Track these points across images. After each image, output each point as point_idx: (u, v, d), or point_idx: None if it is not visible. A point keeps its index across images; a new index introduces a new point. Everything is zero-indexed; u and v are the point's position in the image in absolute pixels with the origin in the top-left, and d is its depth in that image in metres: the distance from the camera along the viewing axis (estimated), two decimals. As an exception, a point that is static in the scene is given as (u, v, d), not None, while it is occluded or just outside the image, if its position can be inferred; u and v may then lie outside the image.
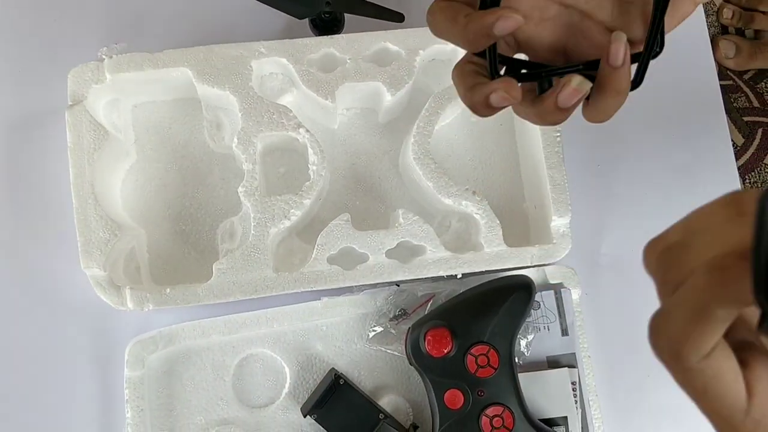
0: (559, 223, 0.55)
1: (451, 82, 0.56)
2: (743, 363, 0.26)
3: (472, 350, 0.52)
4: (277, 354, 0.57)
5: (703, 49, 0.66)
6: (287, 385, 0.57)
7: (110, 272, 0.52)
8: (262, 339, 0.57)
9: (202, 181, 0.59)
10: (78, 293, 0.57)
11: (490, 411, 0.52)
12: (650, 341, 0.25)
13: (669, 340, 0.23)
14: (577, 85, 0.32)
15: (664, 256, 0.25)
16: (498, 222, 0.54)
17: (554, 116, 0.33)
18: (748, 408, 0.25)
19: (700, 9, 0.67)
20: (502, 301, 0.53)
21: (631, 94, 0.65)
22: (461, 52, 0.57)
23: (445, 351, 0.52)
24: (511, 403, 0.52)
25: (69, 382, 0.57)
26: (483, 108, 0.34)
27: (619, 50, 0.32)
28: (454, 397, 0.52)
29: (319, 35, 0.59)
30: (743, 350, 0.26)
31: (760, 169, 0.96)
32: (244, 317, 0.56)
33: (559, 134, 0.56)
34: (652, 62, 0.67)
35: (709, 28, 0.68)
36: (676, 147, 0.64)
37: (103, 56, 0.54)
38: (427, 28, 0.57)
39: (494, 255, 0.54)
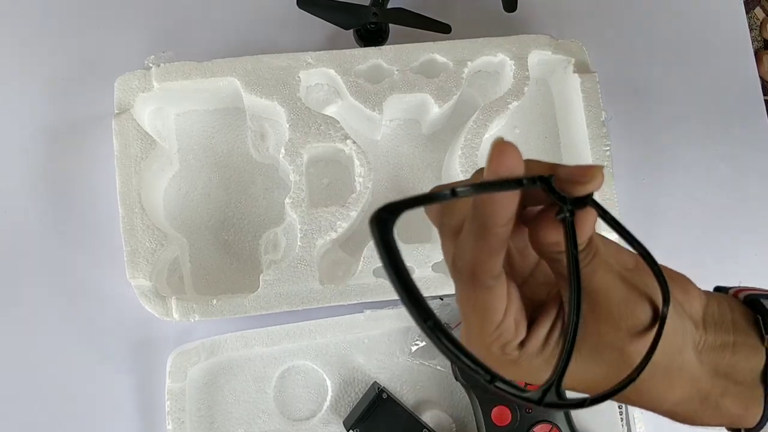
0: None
1: (497, 95, 0.57)
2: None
3: (520, 366, 0.51)
4: (318, 366, 0.56)
5: (747, 64, 0.66)
6: (328, 398, 0.56)
7: (155, 282, 0.52)
8: (304, 351, 0.56)
9: (245, 191, 0.59)
10: (119, 302, 0.57)
11: (539, 428, 0.51)
12: (451, 268, 0.28)
13: (467, 264, 0.26)
14: None
15: (443, 208, 0.29)
16: (546, 237, 0.54)
17: None
18: (515, 341, 0.28)
19: (744, 24, 0.67)
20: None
21: (676, 108, 0.65)
22: (509, 64, 0.56)
23: (493, 367, 0.51)
24: (559, 421, 0.51)
25: (110, 392, 0.56)
26: None
27: None
28: (502, 414, 0.51)
29: (364, 46, 0.59)
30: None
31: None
32: (286, 329, 0.55)
33: (608, 148, 0.55)
34: (698, 79, 0.66)
35: (753, 42, 0.67)
36: (721, 162, 0.64)
37: (150, 65, 0.54)
38: (474, 39, 0.57)
39: (543, 270, 0.53)
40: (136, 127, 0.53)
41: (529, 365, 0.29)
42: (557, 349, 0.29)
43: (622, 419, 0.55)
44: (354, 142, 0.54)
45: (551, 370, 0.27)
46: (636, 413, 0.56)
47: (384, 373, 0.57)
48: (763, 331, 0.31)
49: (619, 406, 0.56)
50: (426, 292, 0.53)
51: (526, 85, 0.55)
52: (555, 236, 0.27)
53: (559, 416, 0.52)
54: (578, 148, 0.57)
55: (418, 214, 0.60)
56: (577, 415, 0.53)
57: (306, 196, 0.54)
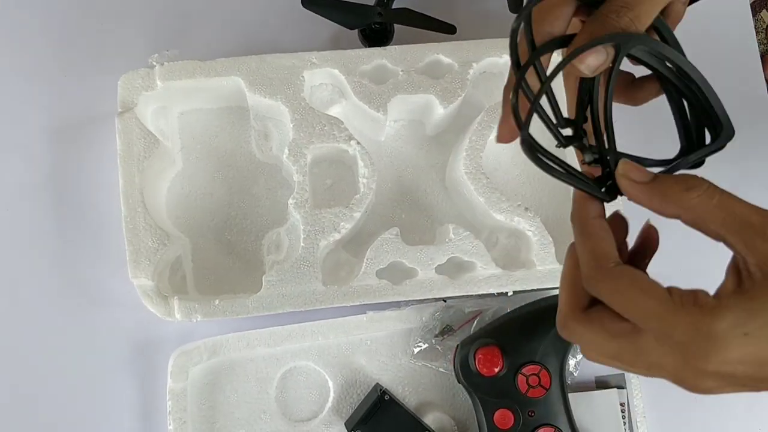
0: (612, 241, 0.54)
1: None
2: None
3: (523, 370, 0.51)
4: (320, 367, 0.56)
5: (753, 67, 0.66)
6: (330, 400, 0.56)
7: (157, 282, 0.52)
8: (307, 352, 0.56)
9: (248, 191, 0.58)
10: (121, 301, 0.56)
11: (541, 432, 0.51)
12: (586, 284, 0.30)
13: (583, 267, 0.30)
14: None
15: None
16: (551, 239, 0.54)
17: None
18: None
19: (750, 27, 0.66)
20: (554, 320, 0.52)
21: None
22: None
23: (496, 370, 0.51)
24: (562, 425, 0.51)
25: (111, 392, 0.56)
26: None
27: None
28: (504, 417, 0.51)
29: (369, 46, 0.58)
30: None
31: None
32: (289, 329, 0.55)
33: (613, 151, 0.55)
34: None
35: (759, 45, 0.67)
36: (726, 165, 0.63)
37: (154, 63, 0.54)
38: (479, 40, 0.56)
39: (547, 273, 0.53)
40: (140, 126, 0.53)
41: None
42: None
43: (624, 422, 0.55)
44: (358, 143, 0.54)
45: None
46: (639, 417, 0.56)
47: (386, 375, 0.56)
48: None
49: (622, 410, 0.56)
50: (429, 294, 0.53)
51: (531, 86, 0.55)
52: None
53: (561, 419, 0.51)
54: (583, 151, 0.57)
55: (421, 212, 0.60)
56: (578, 418, 0.53)
57: (309, 197, 0.54)
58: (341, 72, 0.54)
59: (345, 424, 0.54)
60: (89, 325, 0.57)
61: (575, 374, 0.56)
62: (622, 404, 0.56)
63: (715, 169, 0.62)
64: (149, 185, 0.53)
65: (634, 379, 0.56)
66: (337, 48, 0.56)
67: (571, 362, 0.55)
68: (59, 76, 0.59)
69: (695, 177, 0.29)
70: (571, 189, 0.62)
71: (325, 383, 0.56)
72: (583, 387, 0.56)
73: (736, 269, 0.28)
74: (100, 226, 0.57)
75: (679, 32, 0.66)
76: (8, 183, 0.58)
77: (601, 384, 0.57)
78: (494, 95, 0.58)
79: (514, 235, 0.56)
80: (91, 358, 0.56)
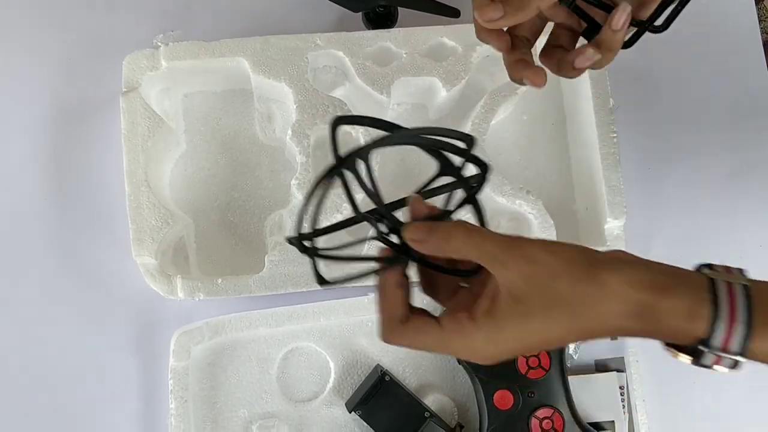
0: (613, 225, 0.54)
1: (505, 80, 0.56)
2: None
3: (524, 351, 0.51)
4: (321, 348, 0.56)
5: (756, 54, 0.66)
6: (331, 380, 0.56)
7: (160, 261, 0.52)
8: (308, 333, 0.56)
9: (251, 173, 0.59)
10: (124, 281, 0.57)
11: (541, 413, 0.51)
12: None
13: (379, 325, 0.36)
14: (590, 55, 0.40)
15: None
16: (552, 222, 0.54)
17: (570, 73, 0.42)
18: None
19: (753, 15, 0.66)
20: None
21: (684, 98, 0.65)
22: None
23: (496, 351, 0.51)
24: (561, 406, 0.52)
25: (113, 371, 0.56)
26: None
27: (621, 18, 0.39)
28: (504, 398, 0.52)
29: (372, 29, 0.59)
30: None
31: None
32: (290, 310, 0.55)
33: (615, 134, 0.55)
34: (706, 69, 0.66)
35: (762, 33, 0.67)
36: (728, 151, 0.64)
37: (159, 44, 0.54)
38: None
39: (548, 255, 0.53)
40: (144, 106, 0.53)
41: None
42: None
43: (623, 405, 0.56)
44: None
45: None
46: (638, 400, 0.56)
47: (387, 356, 0.57)
48: None
49: (621, 393, 0.56)
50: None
51: (534, 70, 0.55)
52: None
53: (561, 400, 0.52)
54: (585, 135, 0.57)
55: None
56: (577, 400, 0.53)
57: (312, 178, 0.54)
58: (345, 54, 0.55)
59: (346, 404, 0.55)
60: (92, 304, 0.57)
61: (575, 357, 0.56)
62: (621, 388, 0.56)
63: (718, 157, 0.63)
64: (153, 165, 0.54)
65: (633, 363, 0.57)
66: (342, 30, 0.56)
67: (572, 346, 0.56)
68: (65, 56, 0.60)
69: (454, 225, 0.35)
70: (573, 167, 0.62)
71: (326, 364, 0.57)
72: (583, 370, 0.57)
73: (493, 286, 0.35)
74: (103, 206, 0.57)
75: (684, 19, 0.66)
76: (12, 162, 0.58)
77: (601, 367, 0.57)
78: (497, 79, 0.58)
79: (515, 218, 0.56)
80: (94, 336, 0.57)
